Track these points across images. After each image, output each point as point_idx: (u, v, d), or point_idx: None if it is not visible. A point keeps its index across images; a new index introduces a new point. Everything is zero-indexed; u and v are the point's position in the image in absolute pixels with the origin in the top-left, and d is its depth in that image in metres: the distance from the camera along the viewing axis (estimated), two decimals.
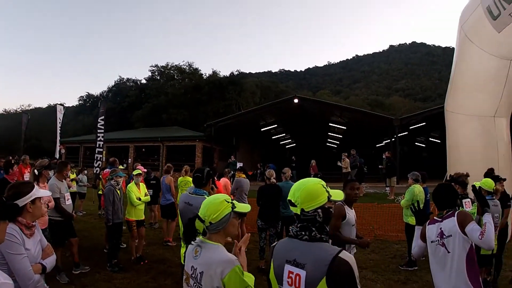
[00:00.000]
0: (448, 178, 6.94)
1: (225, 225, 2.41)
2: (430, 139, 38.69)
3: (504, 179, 6.63)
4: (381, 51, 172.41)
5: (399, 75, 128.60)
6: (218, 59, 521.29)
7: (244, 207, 2.57)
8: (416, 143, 43.58)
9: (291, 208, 2.16)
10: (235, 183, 9.23)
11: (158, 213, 11.13)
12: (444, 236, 3.48)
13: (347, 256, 1.95)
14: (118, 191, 7.53)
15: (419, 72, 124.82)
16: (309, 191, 2.12)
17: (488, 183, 5.68)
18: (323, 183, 2.19)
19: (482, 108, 9.05)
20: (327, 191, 2.15)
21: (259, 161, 31.15)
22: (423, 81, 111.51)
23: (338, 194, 2.23)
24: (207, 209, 2.40)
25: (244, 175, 9.45)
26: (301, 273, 1.97)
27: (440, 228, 3.54)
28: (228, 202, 2.45)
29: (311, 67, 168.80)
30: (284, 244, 2.20)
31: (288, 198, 2.18)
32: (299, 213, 2.10)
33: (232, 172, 10.90)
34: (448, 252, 3.44)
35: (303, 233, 2.06)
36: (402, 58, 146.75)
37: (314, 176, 7.37)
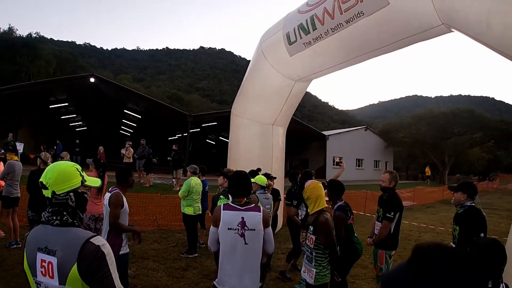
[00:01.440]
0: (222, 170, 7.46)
1: None
2: (220, 138, 41.11)
3: (275, 178, 7.69)
4: (191, 49, 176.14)
5: (203, 75, 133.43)
6: (18, 13, 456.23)
7: None
8: (207, 140, 45.81)
9: (44, 191, 2.02)
10: (7, 167, 7.71)
11: None
12: (246, 228, 3.46)
13: (99, 240, 1.89)
14: None
15: (221, 77, 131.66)
16: (61, 172, 2.01)
17: (262, 179, 6.39)
18: (78, 167, 2.11)
19: (263, 116, 10.21)
20: (82, 176, 2.08)
21: (44, 143, 27.10)
22: (224, 85, 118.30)
23: (94, 181, 2.19)
24: None
25: (16, 158, 8.18)
26: (53, 260, 1.83)
27: (242, 218, 3.48)
28: None
29: (119, 47, 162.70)
30: (36, 231, 2.04)
31: (40, 180, 2.02)
32: (50, 197, 1.98)
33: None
34: (246, 244, 3.44)
35: (54, 218, 1.95)
36: (209, 61, 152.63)
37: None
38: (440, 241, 1.18)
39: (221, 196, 5.73)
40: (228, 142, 11.05)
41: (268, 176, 7.24)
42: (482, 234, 4.22)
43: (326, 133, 40.79)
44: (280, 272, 7.03)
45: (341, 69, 8.68)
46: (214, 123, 31.35)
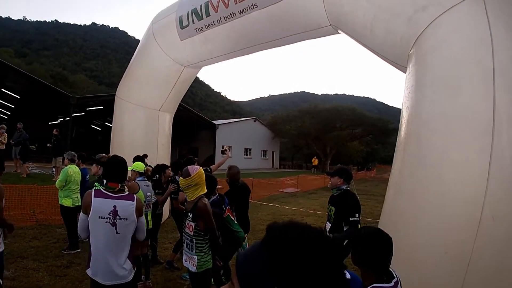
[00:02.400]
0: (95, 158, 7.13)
1: None
2: (106, 123, 39.03)
3: (169, 166, 7.45)
4: (82, 24, 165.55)
5: (92, 55, 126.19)
6: None
7: None
8: (92, 126, 43.34)
9: None
10: None
11: None
12: (118, 217, 3.39)
13: None
14: None
15: (111, 58, 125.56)
16: None
17: (139, 166, 6.11)
18: None
19: (149, 101, 9.88)
20: None
21: None
22: (114, 67, 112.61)
23: None
24: None
25: None
26: None
27: (115, 206, 3.41)
28: None
29: (3, 16, 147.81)
30: None
31: None
32: None
33: None
34: (118, 233, 3.39)
35: None
36: (100, 39, 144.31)
37: None
38: (296, 220, 1.17)
39: (96, 184, 5.43)
40: None
41: (164, 166, 7.15)
42: (357, 214, 4.63)
43: (216, 122, 41.33)
44: (167, 262, 6.91)
45: (231, 59, 8.75)
46: (100, 107, 29.50)
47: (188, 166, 4.10)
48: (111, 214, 3.36)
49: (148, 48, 9.37)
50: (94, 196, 3.40)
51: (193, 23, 7.92)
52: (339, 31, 6.03)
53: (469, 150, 3.57)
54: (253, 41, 7.56)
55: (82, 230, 3.45)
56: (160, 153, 10.04)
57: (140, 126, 9.84)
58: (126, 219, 3.42)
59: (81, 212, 3.45)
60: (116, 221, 3.37)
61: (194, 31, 8.00)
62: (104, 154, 6.36)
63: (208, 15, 7.53)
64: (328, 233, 4.86)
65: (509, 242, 3.41)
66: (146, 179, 6.24)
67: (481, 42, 3.66)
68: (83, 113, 31.18)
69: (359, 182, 31.22)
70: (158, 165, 7.19)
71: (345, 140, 49.08)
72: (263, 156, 48.16)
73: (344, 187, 4.98)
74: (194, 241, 3.93)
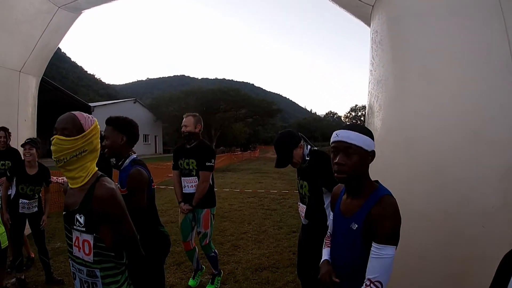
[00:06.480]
0: None
1: None
2: None
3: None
4: None
5: None
6: None
7: None
8: None
9: None
10: None
11: None
12: None
13: None
14: None
15: None
16: None
17: None
18: None
19: (6, 57, 6.87)
20: None
21: None
22: None
23: None
24: None
25: None
26: None
27: None
28: None
29: None
30: None
31: None
32: None
33: None
34: None
35: None
36: None
37: None
38: None
39: None
40: None
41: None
42: None
43: (92, 104, 38.35)
44: None
45: None
46: None
47: (72, 112, 2.02)
48: None
49: None
50: None
51: None
52: None
53: (492, 80, 2.98)
54: None
55: None
56: (23, 132, 7.06)
57: None
58: None
59: None
60: None
61: None
62: None
63: None
64: (304, 218, 3.22)
65: None
66: None
67: None
68: None
69: (246, 162, 34.81)
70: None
71: (230, 122, 49.49)
72: (145, 141, 46.84)
73: (307, 150, 3.20)
74: (99, 274, 1.86)
